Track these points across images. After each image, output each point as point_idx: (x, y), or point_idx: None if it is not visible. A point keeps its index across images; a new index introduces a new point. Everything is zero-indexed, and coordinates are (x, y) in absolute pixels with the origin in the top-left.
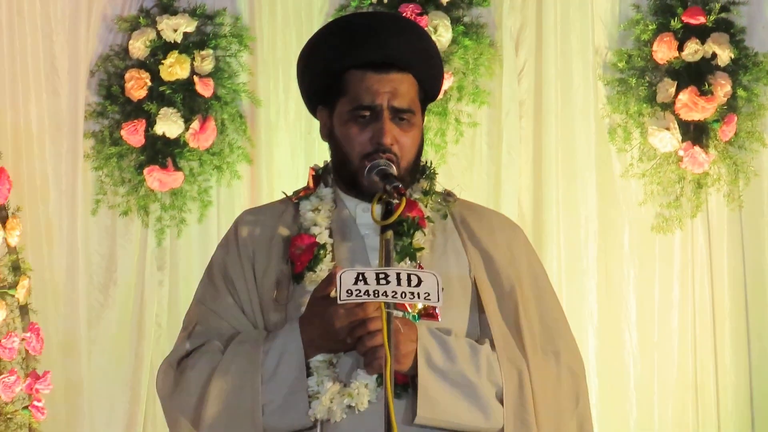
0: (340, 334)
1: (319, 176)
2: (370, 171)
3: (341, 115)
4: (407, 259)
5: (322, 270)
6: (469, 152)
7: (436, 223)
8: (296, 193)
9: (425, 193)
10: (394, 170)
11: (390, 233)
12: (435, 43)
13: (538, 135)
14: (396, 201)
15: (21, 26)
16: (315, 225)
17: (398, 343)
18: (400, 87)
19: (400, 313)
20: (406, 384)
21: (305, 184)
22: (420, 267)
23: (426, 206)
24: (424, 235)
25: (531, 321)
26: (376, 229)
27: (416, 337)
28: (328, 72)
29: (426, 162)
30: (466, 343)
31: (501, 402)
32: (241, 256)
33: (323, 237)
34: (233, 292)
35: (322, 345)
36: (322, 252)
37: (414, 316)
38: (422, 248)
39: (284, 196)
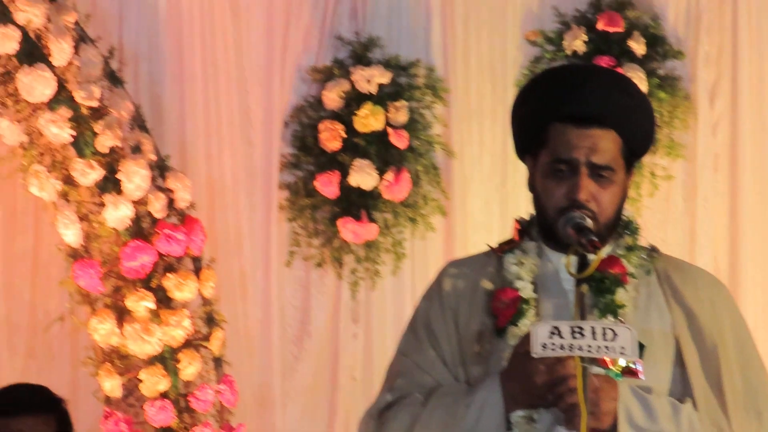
0: (540, 390)
1: (524, 229)
2: (566, 224)
3: (542, 167)
4: (609, 315)
5: (525, 325)
6: (664, 206)
7: (639, 279)
8: (501, 245)
9: (629, 248)
10: (589, 223)
11: (585, 286)
12: (646, 101)
13: (734, 188)
14: (591, 254)
15: (215, 77)
16: (519, 279)
17: (599, 401)
18: (600, 143)
19: (602, 371)
20: None
21: (509, 237)
22: (621, 322)
23: (629, 262)
24: (627, 291)
25: (734, 380)
26: None
27: (617, 395)
28: (533, 122)
29: (630, 217)
30: (667, 401)
31: None
32: (444, 309)
33: (527, 291)
34: (435, 345)
35: (523, 400)
36: (525, 306)
37: (616, 374)
38: (624, 305)
39: (488, 248)
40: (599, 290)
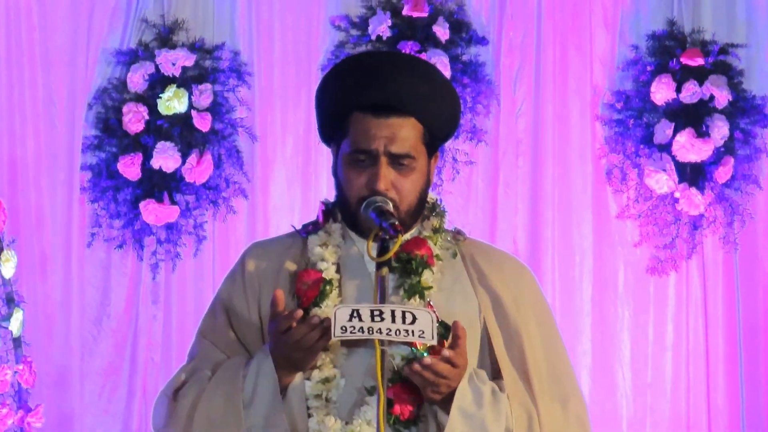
0: (297, 362)
1: (329, 211)
2: (366, 208)
3: (343, 156)
4: (416, 297)
5: (328, 306)
6: (465, 190)
7: (445, 262)
8: (305, 227)
9: (435, 231)
10: (390, 207)
11: (385, 270)
12: (448, 86)
13: (535, 174)
14: (391, 238)
15: (19, 57)
16: (322, 260)
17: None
18: (399, 132)
19: (408, 351)
20: (410, 420)
21: (314, 219)
22: (430, 305)
23: (435, 244)
24: (432, 273)
25: (539, 366)
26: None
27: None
28: (335, 112)
29: (436, 200)
30: (489, 387)
31: None
32: (246, 290)
33: (330, 272)
34: (235, 326)
35: (290, 368)
36: (328, 288)
37: (422, 353)
38: (430, 287)
39: (293, 229)
40: (405, 271)
